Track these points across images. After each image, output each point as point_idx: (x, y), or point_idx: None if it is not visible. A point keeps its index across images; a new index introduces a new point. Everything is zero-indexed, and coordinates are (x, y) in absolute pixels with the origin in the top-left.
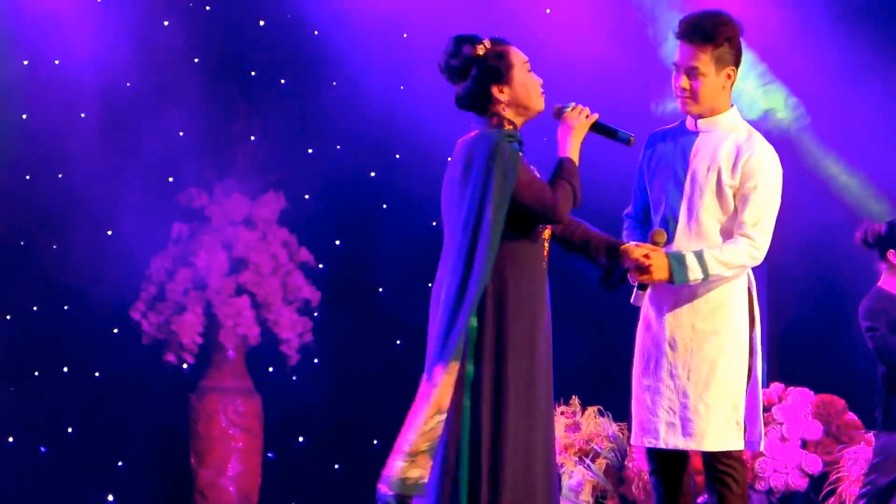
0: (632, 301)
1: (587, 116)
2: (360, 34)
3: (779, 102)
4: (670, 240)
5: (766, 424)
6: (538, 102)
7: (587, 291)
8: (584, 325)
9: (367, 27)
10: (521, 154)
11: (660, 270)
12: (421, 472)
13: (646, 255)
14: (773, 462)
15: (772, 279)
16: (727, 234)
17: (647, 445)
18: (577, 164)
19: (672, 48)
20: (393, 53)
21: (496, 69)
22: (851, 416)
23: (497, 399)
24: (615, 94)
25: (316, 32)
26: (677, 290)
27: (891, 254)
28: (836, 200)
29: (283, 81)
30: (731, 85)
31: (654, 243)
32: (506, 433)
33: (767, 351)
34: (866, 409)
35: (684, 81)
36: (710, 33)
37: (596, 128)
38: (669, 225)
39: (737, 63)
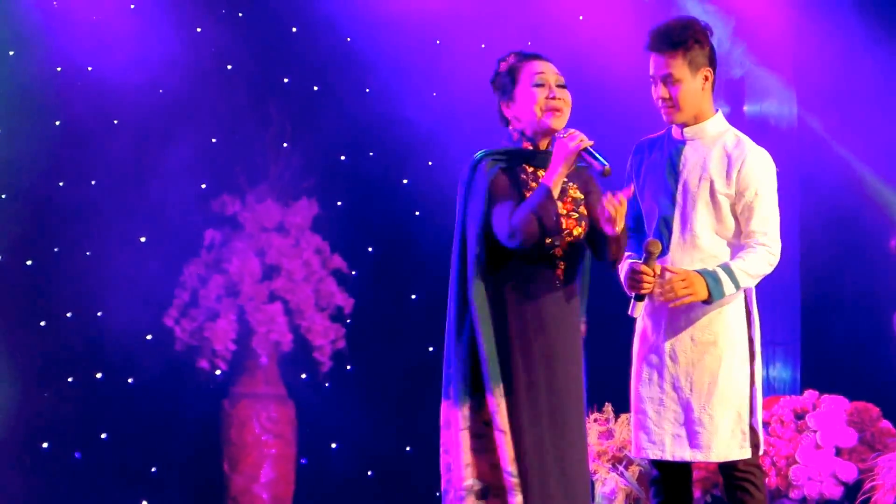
0: (629, 313)
1: (579, 142)
2: (393, 41)
3: None
4: (665, 250)
5: (800, 432)
6: (537, 119)
7: (620, 299)
8: (617, 332)
9: (400, 34)
10: (501, 172)
11: (700, 291)
12: None
13: (644, 273)
14: (807, 470)
15: (806, 286)
16: (721, 242)
17: (653, 458)
18: (553, 191)
19: (650, 63)
20: (426, 60)
21: (504, 85)
22: (886, 424)
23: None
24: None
25: (349, 39)
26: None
27: None
28: (872, 209)
29: (315, 88)
30: (712, 87)
31: (649, 253)
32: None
33: (802, 358)
34: None
35: (663, 91)
36: (678, 38)
37: (586, 153)
38: (663, 235)
39: (712, 64)
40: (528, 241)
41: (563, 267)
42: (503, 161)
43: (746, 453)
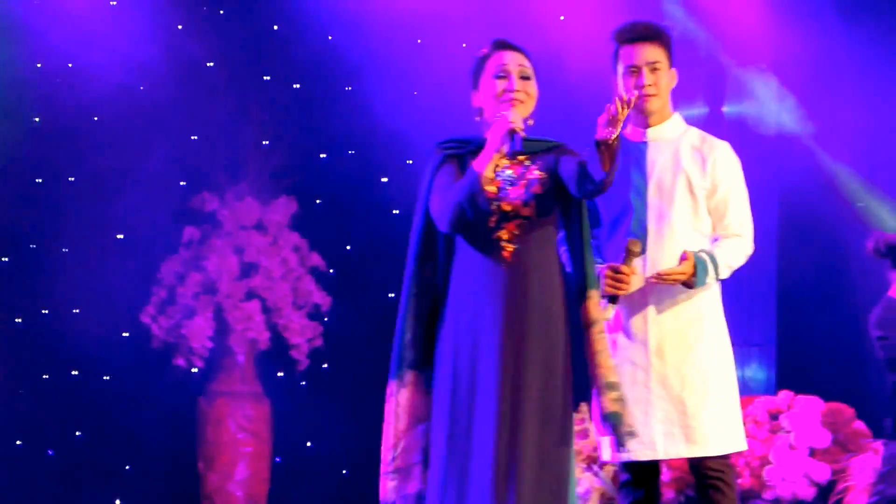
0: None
1: (509, 124)
2: (375, 40)
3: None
4: (643, 250)
5: (774, 432)
6: (494, 111)
7: None
8: None
9: (382, 33)
10: (449, 160)
11: (689, 272)
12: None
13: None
14: (781, 470)
15: (782, 287)
16: (698, 237)
17: (643, 458)
18: (482, 174)
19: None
20: (407, 59)
21: (473, 75)
22: (860, 425)
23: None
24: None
25: (330, 38)
26: (658, 300)
27: None
28: (848, 209)
29: (296, 86)
30: (672, 88)
31: (630, 253)
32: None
33: (777, 359)
34: (875, 418)
35: (648, 77)
36: (661, 32)
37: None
38: (639, 234)
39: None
40: (456, 224)
41: (511, 250)
42: (456, 149)
43: (744, 445)
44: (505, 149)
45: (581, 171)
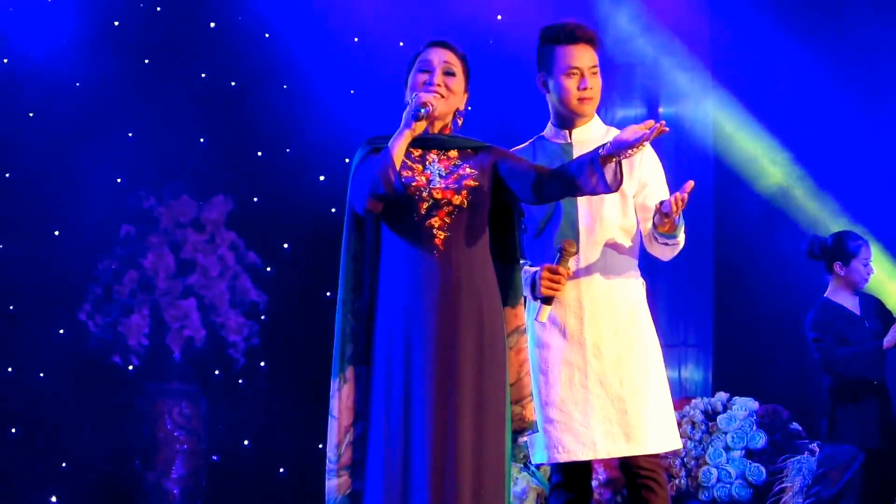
0: (536, 318)
1: (415, 102)
2: (312, 38)
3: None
4: (578, 250)
5: (711, 433)
6: (416, 102)
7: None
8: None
9: (319, 31)
10: (373, 153)
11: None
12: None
13: (562, 274)
14: (717, 472)
15: (719, 290)
16: (626, 235)
17: (583, 458)
18: (394, 153)
19: (565, 54)
20: (344, 57)
21: (407, 72)
22: (796, 427)
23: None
24: None
25: (267, 35)
26: (593, 300)
27: (837, 266)
28: (782, 211)
29: (233, 84)
30: None
31: (566, 253)
32: (371, 431)
33: (714, 361)
34: (811, 420)
35: (593, 81)
36: (598, 37)
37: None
38: (570, 235)
39: None
40: (368, 200)
41: (443, 238)
42: (382, 143)
43: (679, 443)
44: (418, 125)
45: (572, 179)
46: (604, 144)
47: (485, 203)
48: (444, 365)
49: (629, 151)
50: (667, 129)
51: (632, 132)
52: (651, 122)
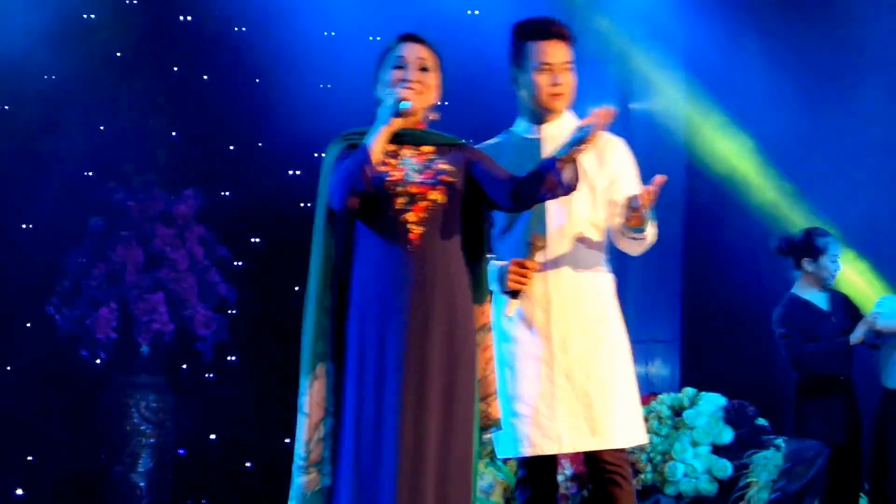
0: (505, 313)
1: (395, 101)
2: (285, 32)
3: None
4: (545, 244)
5: (677, 428)
6: (392, 98)
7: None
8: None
9: (292, 25)
10: (347, 150)
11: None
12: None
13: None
14: (684, 466)
15: (687, 284)
16: (595, 230)
17: (549, 452)
18: (371, 149)
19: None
20: (317, 52)
21: (375, 69)
22: (762, 422)
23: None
24: None
25: (237, 29)
26: (561, 294)
27: (805, 262)
28: (751, 207)
29: (205, 77)
30: None
31: (535, 247)
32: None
33: (681, 356)
34: (777, 415)
35: (567, 77)
36: (572, 33)
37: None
38: (539, 229)
39: None
40: (345, 196)
41: (418, 233)
42: (358, 139)
43: (646, 438)
44: (396, 121)
45: (540, 182)
46: (560, 148)
47: (459, 199)
48: (416, 361)
49: (581, 147)
50: (612, 110)
51: (578, 128)
52: (598, 111)
